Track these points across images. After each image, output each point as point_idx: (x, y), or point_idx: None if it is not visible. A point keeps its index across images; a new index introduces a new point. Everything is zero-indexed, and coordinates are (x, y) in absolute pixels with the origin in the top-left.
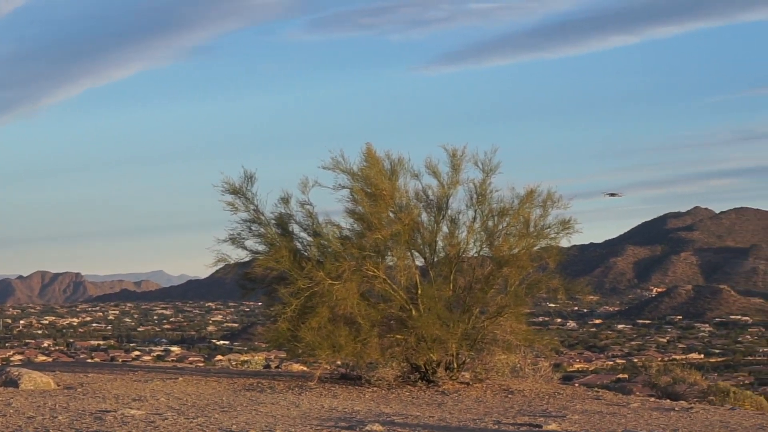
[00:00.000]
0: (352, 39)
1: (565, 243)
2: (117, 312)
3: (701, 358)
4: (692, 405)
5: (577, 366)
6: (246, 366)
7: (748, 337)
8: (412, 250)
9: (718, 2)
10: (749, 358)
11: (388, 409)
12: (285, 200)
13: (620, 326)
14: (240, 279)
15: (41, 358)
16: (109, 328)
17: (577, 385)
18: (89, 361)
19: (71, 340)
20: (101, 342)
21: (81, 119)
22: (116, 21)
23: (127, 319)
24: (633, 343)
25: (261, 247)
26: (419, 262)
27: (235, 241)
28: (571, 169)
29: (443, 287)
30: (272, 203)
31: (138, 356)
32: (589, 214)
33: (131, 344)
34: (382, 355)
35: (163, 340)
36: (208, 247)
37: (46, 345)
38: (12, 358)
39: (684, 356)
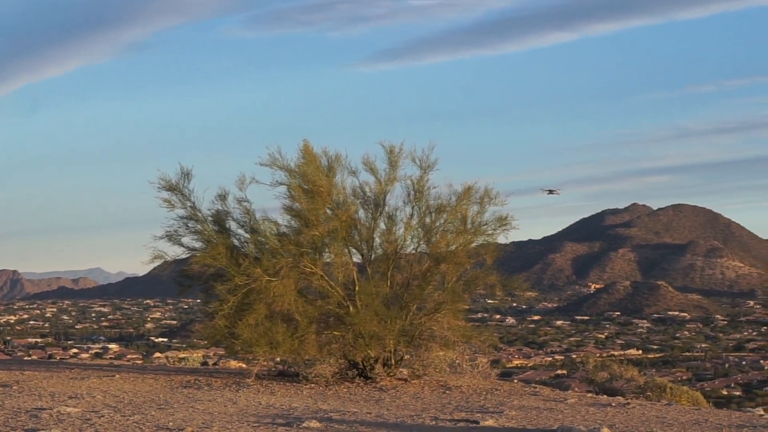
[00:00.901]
0: (290, 36)
1: (502, 239)
2: (55, 309)
3: (639, 354)
4: (629, 401)
5: (515, 362)
6: (183, 363)
7: (686, 333)
8: (350, 247)
9: (655, 0)
10: (687, 354)
11: (325, 405)
12: (222, 197)
13: (559, 322)
14: (177, 276)
15: None
16: (46, 325)
17: (515, 381)
18: (26, 359)
19: (8, 338)
20: (39, 340)
21: (19, 117)
22: (54, 17)
23: (65, 317)
24: (571, 339)
25: (198, 244)
26: (357, 258)
27: (172, 238)
28: (509, 167)
29: (381, 284)
30: (209, 200)
31: (76, 354)
32: (527, 210)
33: (69, 342)
34: (320, 351)
35: (101, 337)
36: (145, 244)
37: None
38: None
39: (622, 352)
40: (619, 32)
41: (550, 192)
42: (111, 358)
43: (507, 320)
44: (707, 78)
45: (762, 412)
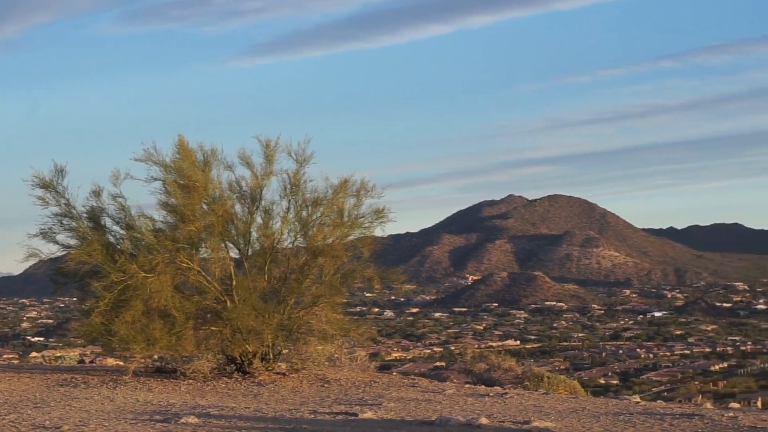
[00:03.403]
0: (164, 31)
1: (379, 232)
2: None
3: (517, 345)
4: (507, 390)
5: (395, 355)
6: (60, 361)
7: (563, 323)
8: (227, 242)
9: None
10: (564, 343)
11: (203, 401)
12: (96, 193)
13: (437, 314)
14: (53, 274)
15: None
16: None
17: (394, 373)
18: None
19: None
20: None
21: None
22: None
23: None
24: (450, 331)
25: (73, 241)
26: (234, 253)
27: (47, 235)
28: (386, 160)
29: (258, 278)
30: (84, 197)
31: None
32: (404, 203)
33: None
34: (198, 347)
35: None
36: (19, 242)
37: None
38: None
39: (500, 343)
40: (494, 24)
41: None
42: None
43: (385, 313)
44: (583, 68)
45: (638, 400)
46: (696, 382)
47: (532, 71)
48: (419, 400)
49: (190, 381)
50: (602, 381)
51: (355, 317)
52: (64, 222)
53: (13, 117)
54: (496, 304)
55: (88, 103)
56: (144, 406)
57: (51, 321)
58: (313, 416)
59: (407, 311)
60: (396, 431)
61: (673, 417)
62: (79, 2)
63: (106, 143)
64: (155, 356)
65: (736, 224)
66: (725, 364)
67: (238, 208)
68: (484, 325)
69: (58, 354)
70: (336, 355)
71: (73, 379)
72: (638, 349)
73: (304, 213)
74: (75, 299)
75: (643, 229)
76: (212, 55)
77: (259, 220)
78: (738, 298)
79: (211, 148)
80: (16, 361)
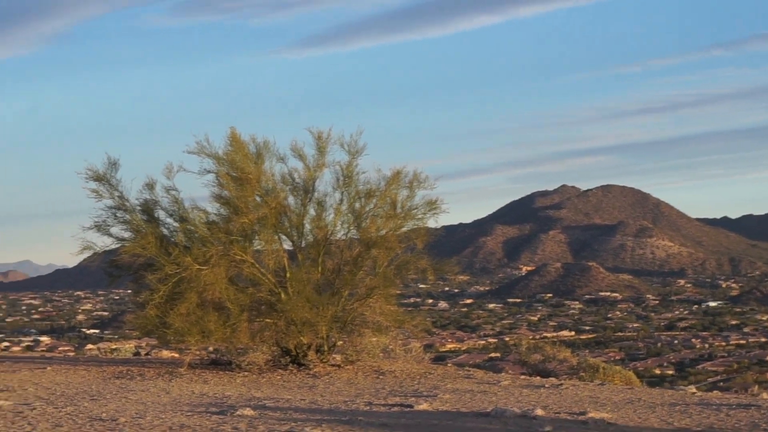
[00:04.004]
0: (213, 23)
1: (432, 223)
2: None
3: (572, 336)
4: (562, 381)
5: (449, 346)
6: (115, 354)
7: (618, 313)
8: (280, 234)
9: None
10: (619, 334)
11: (259, 393)
12: (150, 186)
13: (491, 305)
14: (107, 267)
15: None
16: None
17: (448, 365)
18: None
19: None
20: None
21: None
22: None
23: None
24: (504, 322)
25: (127, 234)
26: (287, 245)
27: (101, 228)
28: (438, 150)
29: (312, 270)
30: (137, 190)
31: (7, 347)
32: (457, 194)
33: None
34: (253, 339)
35: (32, 330)
36: (74, 235)
37: None
38: None
39: (555, 334)
40: (545, 13)
41: None
42: (43, 350)
43: (439, 304)
44: (634, 58)
45: (694, 390)
46: (752, 372)
47: (583, 61)
48: (474, 391)
49: (246, 373)
50: (657, 371)
51: (409, 308)
52: (118, 215)
53: (66, 109)
54: (550, 295)
55: (139, 95)
56: (200, 399)
57: (106, 313)
58: (368, 408)
59: (461, 302)
60: (452, 423)
61: (730, 407)
62: None
63: (157, 135)
64: (210, 348)
65: None
66: None
67: (291, 200)
68: (538, 316)
69: (114, 346)
70: (391, 347)
71: (129, 372)
72: (693, 339)
73: (357, 205)
74: (130, 291)
75: (697, 219)
76: (261, 46)
77: (312, 212)
78: None
79: (264, 140)
80: (72, 354)
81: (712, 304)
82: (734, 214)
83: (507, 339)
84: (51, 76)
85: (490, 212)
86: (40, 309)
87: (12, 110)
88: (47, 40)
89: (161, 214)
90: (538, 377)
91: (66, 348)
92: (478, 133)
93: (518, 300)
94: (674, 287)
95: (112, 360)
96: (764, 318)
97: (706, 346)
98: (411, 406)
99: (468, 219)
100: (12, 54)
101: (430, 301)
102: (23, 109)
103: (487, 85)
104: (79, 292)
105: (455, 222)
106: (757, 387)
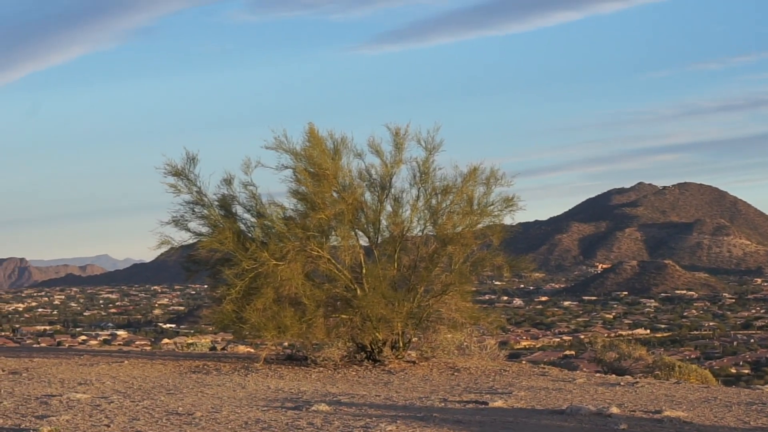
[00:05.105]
0: (293, 19)
1: (508, 220)
2: (62, 297)
3: (647, 334)
4: (637, 380)
5: (524, 343)
6: (192, 348)
7: (694, 311)
8: (356, 230)
9: None
10: (695, 332)
11: (334, 389)
12: (228, 181)
13: (566, 303)
14: (184, 261)
15: None
16: (54, 313)
17: (523, 362)
18: (35, 346)
19: (17, 326)
20: (47, 327)
21: (24, 104)
22: (58, 5)
23: (73, 304)
24: (579, 319)
25: (204, 229)
26: (363, 241)
27: (179, 223)
28: (515, 147)
29: (388, 266)
30: (215, 185)
31: (84, 341)
32: (533, 191)
33: (77, 329)
34: (328, 335)
35: (110, 324)
36: (152, 230)
37: None
38: None
39: (630, 332)
40: (625, 10)
41: None
42: (119, 344)
43: (514, 301)
44: (713, 55)
45: None
46: None
47: (662, 58)
48: (549, 389)
49: (321, 369)
50: (733, 370)
51: (485, 305)
52: (195, 210)
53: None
54: (626, 293)
55: (217, 90)
56: (275, 394)
57: (182, 308)
58: (443, 404)
59: (536, 299)
60: (526, 420)
61: None
62: None
63: (235, 130)
64: (286, 344)
65: None
66: None
67: (367, 196)
68: (613, 313)
69: (190, 341)
70: (466, 344)
71: (205, 366)
72: None
73: (433, 201)
74: (206, 286)
75: None
76: (340, 42)
77: (388, 208)
78: None
79: (341, 136)
80: (148, 348)
81: None
82: None
83: (582, 337)
84: (132, 71)
85: (566, 209)
86: (117, 303)
87: (92, 105)
88: (128, 35)
89: (239, 210)
90: (613, 375)
91: (142, 342)
92: (555, 130)
93: (594, 298)
94: (751, 286)
95: (188, 354)
96: None
97: None
98: (486, 403)
99: (544, 216)
100: (93, 49)
101: (506, 298)
102: (102, 103)
103: (565, 82)
104: (155, 287)
105: (531, 219)
106: None
